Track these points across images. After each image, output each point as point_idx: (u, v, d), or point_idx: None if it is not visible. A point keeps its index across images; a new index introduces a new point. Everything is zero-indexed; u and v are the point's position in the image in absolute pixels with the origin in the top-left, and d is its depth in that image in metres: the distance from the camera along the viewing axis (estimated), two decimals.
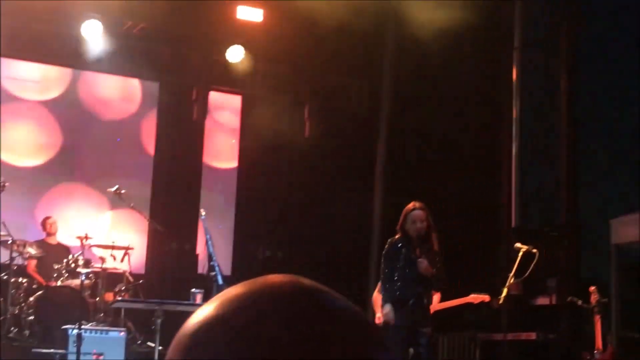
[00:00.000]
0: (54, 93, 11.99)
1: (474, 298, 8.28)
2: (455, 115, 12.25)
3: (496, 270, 11.12)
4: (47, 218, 10.64)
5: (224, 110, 13.08)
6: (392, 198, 12.22)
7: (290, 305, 0.80)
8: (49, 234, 10.54)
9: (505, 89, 12.29)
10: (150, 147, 12.42)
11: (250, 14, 11.73)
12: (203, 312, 0.82)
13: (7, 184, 9.55)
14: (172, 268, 11.67)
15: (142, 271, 11.57)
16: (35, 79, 11.90)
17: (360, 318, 0.84)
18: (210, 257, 8.17)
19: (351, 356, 0.79)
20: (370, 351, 0.81)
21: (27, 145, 11.79)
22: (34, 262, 10.19)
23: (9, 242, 9.58)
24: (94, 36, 11.35)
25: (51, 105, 11.95)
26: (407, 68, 12.09)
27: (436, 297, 8.43)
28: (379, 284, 8.29)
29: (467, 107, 12.26)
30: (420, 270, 7.27)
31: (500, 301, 7.86)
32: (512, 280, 7.78)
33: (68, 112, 12.04)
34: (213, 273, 8.02)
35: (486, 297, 8.21)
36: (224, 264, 10.63)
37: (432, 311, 8.02)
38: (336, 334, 0.79)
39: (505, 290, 7.67)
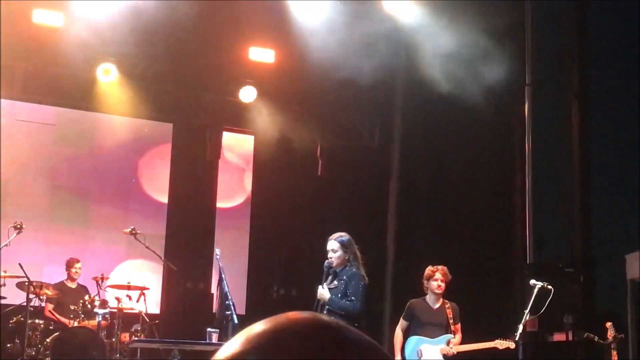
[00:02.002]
0: (68, 135, 12.11)
1: (499, 344, 8.27)
2: (467, 150, 12.29)
3: (511, 306, 11.09)
4: (75, 261, 10.59)
5: (237, 150, 13.16)
6: (405, 234, 12.26)
7: (313, 341, 0.84)
8: (70, 278, 10.58)
9: (517, 125, 12.32)
10: (164, 187, 12.50)
11: (262, 55, 11.86)
12: (229, 349, 0.85)
13: (24, 226, 9.63)
14: (187, 308, 11.69)
15: (158, 311, 11.59)
16: (50, 122, 12.02)
17: (380, 354, 0.88)
18: (225, 297, 8.19)
19: None
20: None
21: (44, 187, 11.89)
22: (51, 305, 10.23)
23: (26, 284, 9.63)
24: (109, 79, 11.50)
25: (65, 147, 12.07)
26: (418, 103, 12.17)
27: (458, 337, 8.42)
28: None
29: (479, 141, 12.29)
30: None
31: (517, 338, 7.85)
32: (527, 317, 7.77)
33: (82, 153, 12.15)
34: (228, 312, 8.03)
35: (512, 345, 8.19)
36: (238, 302, 10.64)
37: (455, 353, 8.05)
38: None
39: (521, 327, 7.65)
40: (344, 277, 7.38)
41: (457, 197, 12.26)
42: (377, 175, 12.69)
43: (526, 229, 11.87)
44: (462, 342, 8.39)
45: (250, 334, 0.86)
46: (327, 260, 7.48)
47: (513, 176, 12.39)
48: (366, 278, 7.47)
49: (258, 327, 0.87)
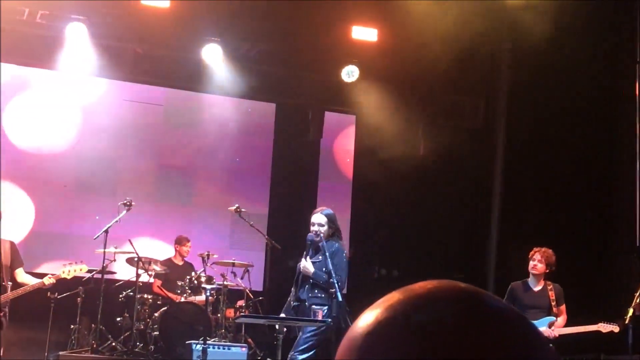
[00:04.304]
0: (175, 116, 12.38)
1: (603, 327, 8.08)
2: (573, 130, 12.00)
3: (617, 289, 10.80)
4: (186, 241, 10.91)
5: (339, 129, 13.20)
6: (509, 216, 12.07)
7: (461, 307, 0.83)
8: (179, 255, 10.86)
9: (627, 104, 11.96)
10: (267, 166, 12.65)
11: (365, 34, 11.80)
12: (371, 315, 0.85)
13: (133, 203, 9.90)
14: (290, 285, 11.79)
15: (261, 288, 11.77)
16: (158, 103, 12.31)
17: (525, 320, 0.86)
18: (329, 274, 8.24)
19: (521, 356, 0.81)
20: (537, 351, 0.83)
21: (152, 166, 12.19)
22: (159, 281, 10.52)
23: (135, 260, 9.91)
24: (213, 59, 11.68)
25: (172, 127, 12.34)
26: (522, 83, 11.94)
27: (561, 319, 8.26)
28: None
29: (586, 121, 11.99)
30: None
31: (627, 321, 7.66)
32: (637, 300, 7.57)
33: (188, 133, 12.41)
34: (332, 290, 8.07)
35: (615, 328, 8.00)
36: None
37: (557, 335, 7.89)
38: (506, 334, 0.82)
39: (630, 310, 7.47)
40: (329, 251, 7.42)
41: (563, 179, 12.00)
42: (481, 156, 12.51)
43: (636, 210, 11.53)
44: (566, 325, 8.23)
45: (390, 302, 0.85)
46: (310, 234, 7.53)
47: (620, 156, 12.05)
48: (346, 253, 7.63)
49: (397, 295, 0.86)
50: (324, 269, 7.42)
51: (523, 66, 11.75)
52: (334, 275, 8.08)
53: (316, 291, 7.57)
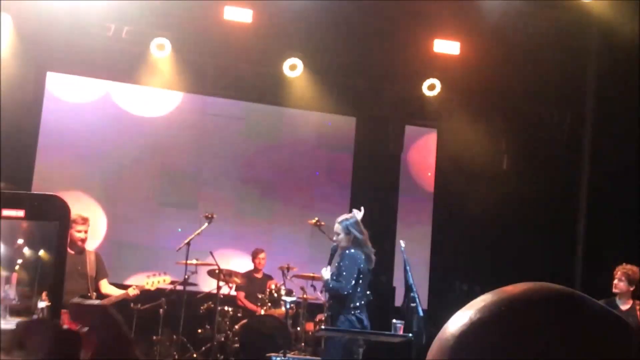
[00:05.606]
0: (256, 130, 12.47)
1: None
2: None
3: None
4: (259, 252, 10.97)
5: (420, 143, 13.10)
6: (596, 231, 11.75)
7: (558, 308, 0.81)
8: (256, 267, 10.91)
9: None
10: (347, 180, 12.63)
11: (447, 47, 11.70)
12: (464, 317, 0.84)
13: (215, 216, 9.99)
14: (371, 300, 11.71)
15: None
16: (240, 116, 12.43)
17: (622, 322, 0.83)
18: (410, 288, 8.14)
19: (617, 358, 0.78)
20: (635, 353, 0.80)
21: (233, 179, 12.29)
22: (242, 294, 10.60)
23: (216, 272, 9.99)
24: (294, 74, 11.73)
25: (253, 141, 12.44)
26: (609, 95, 11.64)
27: None
28: None
29: None
30: None
31: None
32: None
33: (269, 146, 12.48)
34: (413, 304, 7.97)
35: None
36: (420, 297, 10.57)
37: None
38: (605, 336, 0.80)
39: None
40: (341, 259, 7.48)
41: None
42: (566, 170, 12.24)
43: None
44: None
45: (482, 304, 0.84)
46: (333, 243, 7.61)
47: None
48: (370, 260, 7.59)
49: (488, 297, 0.85)
50: (334, 278, 7.49)
51: (610, 77, 11.45)
52: (414, 289, 7.99)
53: (333, 302, 7.65)
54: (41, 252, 0.68)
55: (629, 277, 7.99)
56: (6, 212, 0.72)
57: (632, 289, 8.00)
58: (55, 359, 0.71)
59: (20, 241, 0.69)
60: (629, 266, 8.10)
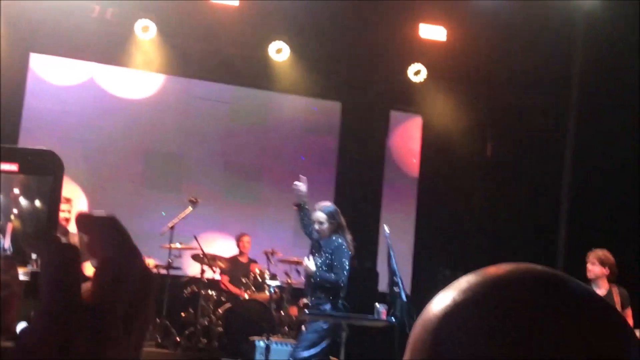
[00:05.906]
0: (242, 114, 12.43)
1: None
2: None
3: None
4: (243, 236, 10.93)
5: (404, 129, 13.11)
6: (578, 217, 11.82)
7: (542, 288, 0.80)
8: (240, 251, 10.89)
9: None
10: (332, 165, 12.62)
11: (433, 33, 11.69)
12: (448, 298, 0.83)
13: (199, 200, 9.96)
14: (353, 284, 11.74)
15: None
16: (225, 100, 12.38)
17: (605, 302, 0.82)
18: (394, 273, 8.17)
19: (603, 347, 0.77)
20: (623, 338, 0.79)
21: (218, 162, 12.26)
22: (226, 277, 10.58)
23: (201, 256, 9.98)
24: (280, 58, 11.70)
25: (238, 124, 12.39)
26: (593, 84, 11.68)
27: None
28: None
29: None
30: None
31: None
32: None
33: (254, 130, 12.44)
34: (397, 289, 8.00)
35: None
36: (404, 281, 10.61)
37: None
38: (589, 318, 0.78)
39: None
40: (330, 249, 7.34)
41: (634, 180, 11.69)
42: (549, 157, 12.28)
43: None
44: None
45: (464, 286, 0.83)
46: (314, 232, 7.46)
47: None
48: (352, 248, 7.47)
49: (470, 278, 0.84)
50: (324, 268, 7.36)
51: (595, 66, 11.49)
52: (397, 274, 8.02)
53: (318, 292, 7.52)
54: (37, 203, 0.68)
55: (600, 259, 7.97)
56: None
57: (606, 272, 7.98)
58: (52, 272, 0.70)
59: (16, 191, 0.69)
60: (599, 250, 8.10)
